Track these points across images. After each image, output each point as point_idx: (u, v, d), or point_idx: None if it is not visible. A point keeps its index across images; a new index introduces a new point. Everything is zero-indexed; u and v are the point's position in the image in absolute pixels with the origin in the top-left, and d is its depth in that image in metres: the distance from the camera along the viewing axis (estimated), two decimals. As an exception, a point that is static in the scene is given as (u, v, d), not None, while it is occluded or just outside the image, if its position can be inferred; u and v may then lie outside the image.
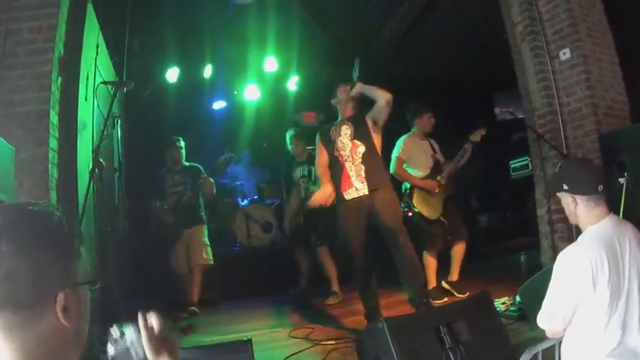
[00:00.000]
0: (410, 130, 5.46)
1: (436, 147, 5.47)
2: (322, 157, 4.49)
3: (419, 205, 5.13)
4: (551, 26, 5.26)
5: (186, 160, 5.97)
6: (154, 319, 1.25)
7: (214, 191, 5.89)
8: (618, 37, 5.40)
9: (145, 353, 1.22)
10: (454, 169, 5.25)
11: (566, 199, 2.35)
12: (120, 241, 5.54)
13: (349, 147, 4.25)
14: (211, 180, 5.78)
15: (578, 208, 2.30)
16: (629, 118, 5.19)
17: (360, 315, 4.40)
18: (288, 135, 6.22)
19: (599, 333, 2.15)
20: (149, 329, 1.23)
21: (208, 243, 5.81)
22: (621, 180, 4.15)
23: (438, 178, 5.18)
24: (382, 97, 4.21)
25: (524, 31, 5.35)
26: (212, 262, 5.77)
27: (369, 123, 4.32)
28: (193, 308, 5.41)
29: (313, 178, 6.02)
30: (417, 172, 5.24)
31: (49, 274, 0.94)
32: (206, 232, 5.85)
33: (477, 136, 5.21)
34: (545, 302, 2.27)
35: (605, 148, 4.72)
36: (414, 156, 5.27)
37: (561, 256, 2.25)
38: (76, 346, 1.00)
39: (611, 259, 2.14)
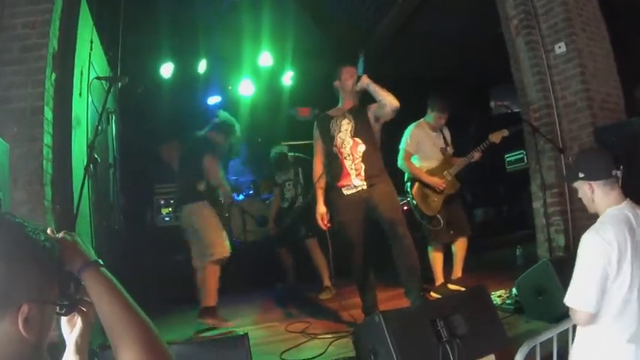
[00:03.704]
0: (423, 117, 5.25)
1: (448, 138, 5.27)
2: (318, 159, 4.38)
3: (417, 198, 4.99)
4: (546, 20, 5.26)
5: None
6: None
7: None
8: (613, 32, 5.41)
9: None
10: (464, 166, 5.09)
11: (583, 188, 2.42)
12: (115, 236, 5.53)
13: (349, 145, 4.15)
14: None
15: (596, 194, 2.37)
16: (624, 112, 5.21)
17: (357, 309, 4.40)
18: (273, 157, 6.33)
19: (618, 317, 2.18)
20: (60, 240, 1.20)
21: None
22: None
23: (445, 173, 5.03)
24: (389, 105, 4.01)
25: (519, 25, 5.35)
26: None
27: (371, 117, 4.21)
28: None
29: (302, 181, 6.07)
30: (425, 164, 5.09)
31: (17, 282, 0.98)
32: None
33: (496, 137, 4.98)
34: (576, 284, 2.27)
35: (601, 142, 4.73)
36: (422, 147, 5.09)
37: (588, 237, 2.27)
38: (35, 357, 1.03)
39: (632, 240, 2.19)
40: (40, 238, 1.07)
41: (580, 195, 2.48)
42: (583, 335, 2.29)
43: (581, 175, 2.40)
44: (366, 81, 4.11)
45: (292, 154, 6.47)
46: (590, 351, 2.25)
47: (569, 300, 2.28)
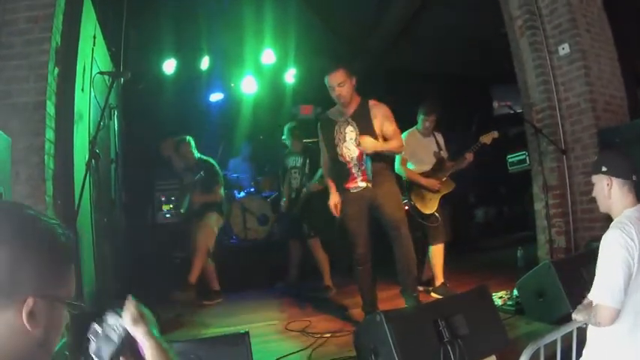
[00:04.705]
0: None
1: (441, 142, 5.35)
2: (326, 158, 4.40)
3: (415, 198, 5.09)
4: (550, 21, 5.25)
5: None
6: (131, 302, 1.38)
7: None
8: (618, 33, 5.39)
9: (124, 328, 1.33)
10: (457, 168, 5.17)
11: (602, 182, 2.44)
12: (117, 232, 5.52)
13: (356, 154, 4.08)
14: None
15: (613, 190, 2.40)
16: (627, 114, 5.19)
17: (357, 308, 4.40)
18: (287, 132, 6.20)
19: (637, 317, 2.17)
20: (129, 306, 1.35)
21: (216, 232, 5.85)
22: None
23: (440, 175, 5.11)
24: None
25: (524, 25, 5.34)
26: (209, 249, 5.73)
27: (376, 127, 4.09)
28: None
29: (307, 171, 6.03)
30: (419, 168, 5.17)
31: (23, 272, 0.96)
32: (214, 219, 5.83)
33: (487, 138, 5.07)
34: (600, 280, 2.24)
35: (604, 144, 4.72)
36: (415, 153, 5.16)
37: (611, 233, 2.26)
38: (40, 354, 1.01)
39: None
40: (56, 231, 1.04)
41: (596, 190, 2.50)
42: (598, 337, 2.26)
43: (604, 168, 2.44)
44: (366, 146, 3.97)
45: (306, 141, 6.33)
46: (607, 353, 2.23)
47: (594, 296, 2.24)
